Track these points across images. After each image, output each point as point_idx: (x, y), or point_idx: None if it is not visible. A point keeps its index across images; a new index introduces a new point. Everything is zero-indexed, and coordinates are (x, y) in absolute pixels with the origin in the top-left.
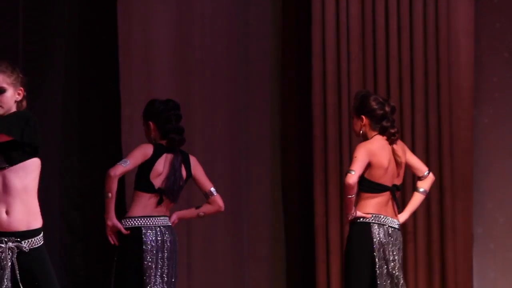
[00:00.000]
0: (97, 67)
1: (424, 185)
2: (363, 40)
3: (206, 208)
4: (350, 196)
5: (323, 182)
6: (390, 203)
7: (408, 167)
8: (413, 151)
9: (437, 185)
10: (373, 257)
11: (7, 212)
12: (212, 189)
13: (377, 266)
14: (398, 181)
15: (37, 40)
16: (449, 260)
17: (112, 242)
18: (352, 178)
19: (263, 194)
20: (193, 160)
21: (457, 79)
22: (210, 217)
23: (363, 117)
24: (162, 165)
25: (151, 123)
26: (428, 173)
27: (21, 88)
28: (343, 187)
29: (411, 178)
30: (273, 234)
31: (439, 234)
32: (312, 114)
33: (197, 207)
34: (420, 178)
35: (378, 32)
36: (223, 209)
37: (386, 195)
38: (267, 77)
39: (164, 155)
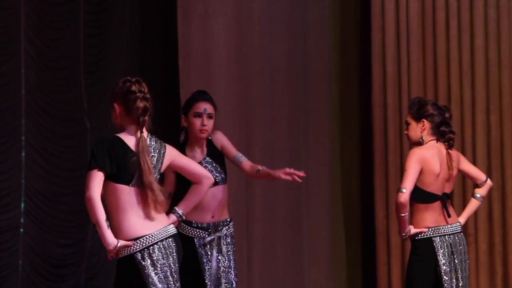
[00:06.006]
0: (157, 71)
1: (481, 192)
2: (423, 40)
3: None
4: (403, 215)
5: (384, 185)
6: (442, 211)
7: (466, 176)
8: (474, 152)
9: (499, 186)
10: (440, 272)
11: None
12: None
13: (445, 281)
14: (448, 189)
15: (98, 44)
16: (511, 262)
17: None
18: (404, 196)
19: (323, 196)
20: None
21: None
22: (270, 219)
23: (424, 121)
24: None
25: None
26: (486, 180)
27: None
28: (396, 206)
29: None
30: (333, 237)
31: (501, 236)
32: (372, 115)
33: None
34: (478, 186)
35: (438, 32)
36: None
37: (437, 205)
38: (326, 79)
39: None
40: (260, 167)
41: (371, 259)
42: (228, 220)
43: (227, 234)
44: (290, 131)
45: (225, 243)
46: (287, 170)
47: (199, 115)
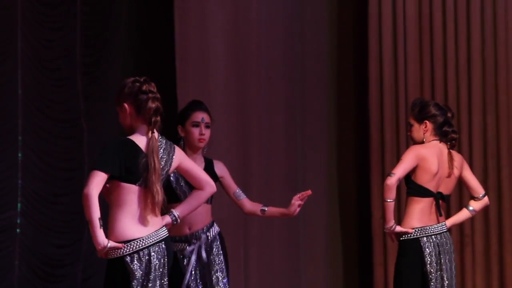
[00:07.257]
0: (154, 72)
1: (475, 206)
2: (420, 41)
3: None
4: (388, 200)
5: (380, 185)
6: (433, 209)
7: (465, 185)
8: (471, 152)
9: (495, 187)
10: (426, 272)
11: None
12: None
13: (430, 280)
14: (446, 190)
15: (94, 45)
16: (507, 263)
17: None
18: (391, 180)
19: (320, 197)
20: None
21: None
22: (267, 220)
23: (427, 122)
24: None
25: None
26: (484, 196)
27: None
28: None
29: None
30: (330, 237)
31: (497, 237)
32: (369, 116)
33: None
34: (474, 199)
35: (435, 33)
36: None
37: (429, 201)
38: (323, 80)
39: None
40: (264, 208)
41: (367, 260)
42: (208, 225)
43: (210, 238)
44: (287, 131)
45: (207, 248)
46: (295, 199)
47: (197, 124)
